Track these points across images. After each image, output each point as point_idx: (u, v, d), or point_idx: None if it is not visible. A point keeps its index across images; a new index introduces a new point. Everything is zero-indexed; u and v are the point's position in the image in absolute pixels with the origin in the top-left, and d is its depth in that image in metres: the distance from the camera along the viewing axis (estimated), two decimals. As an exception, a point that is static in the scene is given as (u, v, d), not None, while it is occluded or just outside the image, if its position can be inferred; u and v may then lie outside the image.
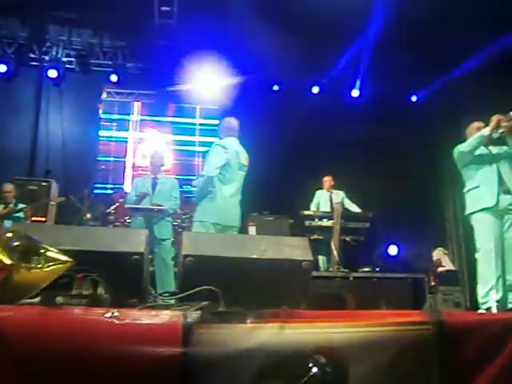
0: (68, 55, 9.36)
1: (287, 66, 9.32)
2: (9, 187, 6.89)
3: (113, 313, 1.38)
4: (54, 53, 9.23)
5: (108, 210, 7.45)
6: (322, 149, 8.82)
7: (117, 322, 1.35)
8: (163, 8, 8.16)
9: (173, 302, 2.50)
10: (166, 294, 2.70)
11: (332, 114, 9.21)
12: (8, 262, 1.63)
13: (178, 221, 7.05)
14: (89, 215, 7.38)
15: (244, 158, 4.92)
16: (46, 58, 9.24)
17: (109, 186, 9.44)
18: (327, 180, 7.76)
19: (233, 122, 5.03)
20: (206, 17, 8.11)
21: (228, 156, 4.70)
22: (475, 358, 1.72)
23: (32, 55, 9.24)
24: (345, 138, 9.14)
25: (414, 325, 1.62)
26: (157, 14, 8.35)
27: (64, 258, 1.76)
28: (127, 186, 9.39)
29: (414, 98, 10.24)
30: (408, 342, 1.55)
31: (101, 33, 9.39)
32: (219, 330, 1.37)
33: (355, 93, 9.98)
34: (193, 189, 4.97)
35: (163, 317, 1.43)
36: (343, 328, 1.52)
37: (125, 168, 9.93)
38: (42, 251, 1.76)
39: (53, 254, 1.76)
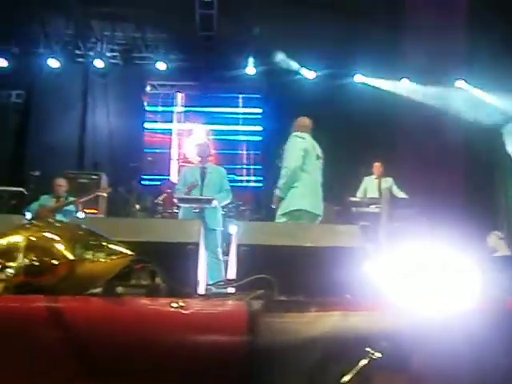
0: (112, 50, 9.54)
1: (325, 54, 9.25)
2: (61, 181, 6.96)
3: (178, 303, 1.40)
4: (98, 48, 9.42)
5: (156, 201, 7.55)
6: (365, 135, 8.66)
7: (183, 311, 1.37)
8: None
9: (228, 290, 2.53)
10: (221, 283, 2.74)
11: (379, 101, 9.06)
12: (71, 257, 1.66)
13: (226, 210, 7.07)
14: (137, 206, 7.51)
15: (319, 150, 5.14)
16: (91, 53, 9.44)
17: (155, 177, 9.56)
18: (377, 166, 7.63)
19: (305, 120, 5.30)
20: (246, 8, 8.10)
21: (306, 145, 4.94)
22: None
23: (78, 51, 9.45)
24: (393, 124, 8.94)
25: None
26: (197, 4, 8.39)
27: (125, 250, 1.78)
28: (174, 177, 9.49)
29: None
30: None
31: (143, 26, 9.51)
32: (284, 319, 1.38)
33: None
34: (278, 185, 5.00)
35: (228, 305, 1.44)
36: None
37: (170, 159, 10.06)
38: (104, 244, 1.79)
39: (115, 246, 1.78)
